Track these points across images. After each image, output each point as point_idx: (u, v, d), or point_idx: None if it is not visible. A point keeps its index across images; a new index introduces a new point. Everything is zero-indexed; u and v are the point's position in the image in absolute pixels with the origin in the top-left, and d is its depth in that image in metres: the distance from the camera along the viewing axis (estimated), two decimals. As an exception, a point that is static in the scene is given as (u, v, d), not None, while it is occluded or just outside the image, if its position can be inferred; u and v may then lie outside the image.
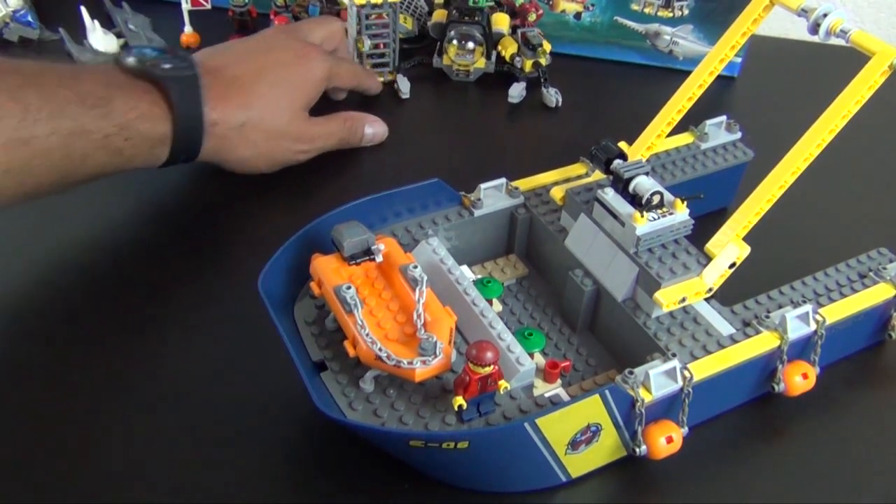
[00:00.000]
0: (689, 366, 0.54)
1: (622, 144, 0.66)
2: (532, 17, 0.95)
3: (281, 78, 0.74)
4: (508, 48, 0.93)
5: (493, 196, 0.67)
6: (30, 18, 0.96)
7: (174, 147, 0.68)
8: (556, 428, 0.51)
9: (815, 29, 0.58)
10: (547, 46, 0.93)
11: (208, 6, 0.95)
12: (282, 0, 0.97)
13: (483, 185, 0.66)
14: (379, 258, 0.56)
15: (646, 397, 0.52)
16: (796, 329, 0.57)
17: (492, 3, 0.96)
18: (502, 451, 0.52)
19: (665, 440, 0.54)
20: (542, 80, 0.92)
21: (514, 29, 0.96)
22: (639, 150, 0.67)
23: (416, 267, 0.54)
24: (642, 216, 0.57)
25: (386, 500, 0.54)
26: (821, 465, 0.58)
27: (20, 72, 0.61)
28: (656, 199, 0.58)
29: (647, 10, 0.95)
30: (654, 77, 0.97)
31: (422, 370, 0.50)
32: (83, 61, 0.89)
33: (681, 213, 0.58)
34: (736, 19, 0.64)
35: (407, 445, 0.50)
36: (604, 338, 0.62)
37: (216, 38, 0.98)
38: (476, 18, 0.93)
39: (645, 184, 0.58)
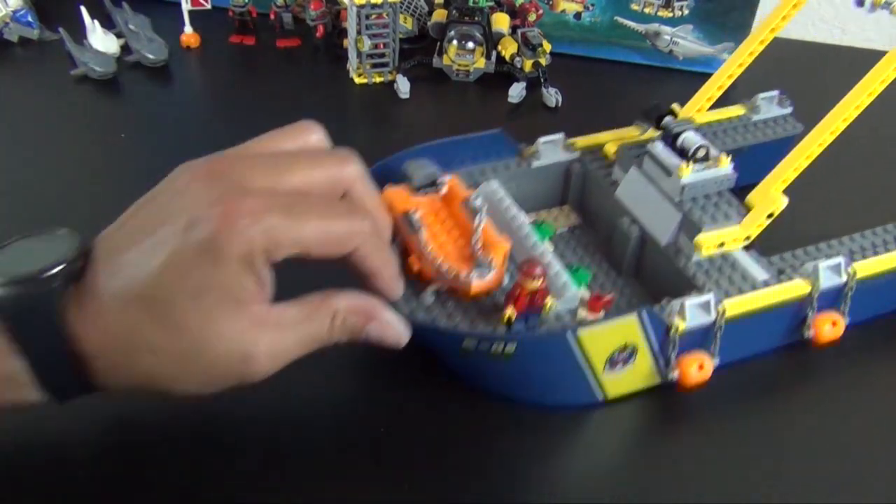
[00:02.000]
0: (722, 302, 0.58)
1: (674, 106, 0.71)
2: (532, 17, 0.96)
3: (181, 274, 0.44)
4: (508, 48, 0.94)
5: (550, 150, 0.71)
6: (30, 18, 0.95)
7: (50, 384, 0.46)
8: (596, 343, 0.55)
9: (860, 1, 0.62)
10: (547, 46, 0.93)
11: (208, 6, 0.95)
12: (282, 0, 0.97)
13: (541, 139, 0.70)
14: (444, 190, 0.61)
15: (680, 325, 0.57)
16: (828, 279, 0.60)
17: (492, 3, 0.96)
18: (545, 360, 0.56)
19: (696, 368, 0.59)
20: (542, 80, 0.93)
21: (514, 29, 0.96)
22: (689, 113, 0.70)
23: (477, 197, 0.58)
24: (688, 167, 0.61)
25: (386, 500, 0.54)
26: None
27: None
28: (702, 152, 0.62)
29: (647, 10, 0.95)
30: (654, 77, 0.97)
31: (477, 283, 0.54)
32: (83, 61, 0.89)
33: (724, 167, 0.62)
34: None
35: (459, 348, 0.55)
36: (647, 283, 0.65)
37: (216, 37, 0.98)
38: (476, 18, 0.93)
39: (692, 138, 0.63)
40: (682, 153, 0.63)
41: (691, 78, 0.80)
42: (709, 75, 0.71)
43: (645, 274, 0.65)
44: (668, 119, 0.66)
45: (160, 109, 0.88)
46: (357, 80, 0.93)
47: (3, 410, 0.47)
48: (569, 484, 0.55)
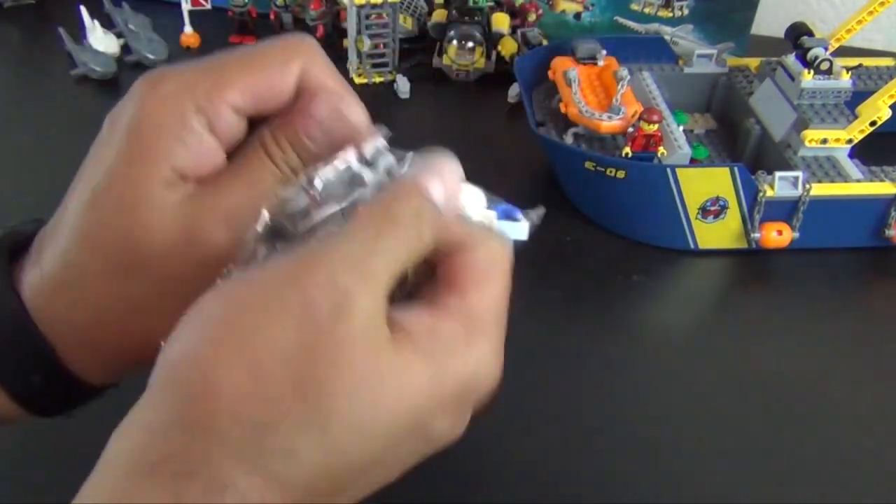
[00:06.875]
0: (810, 181, 0.67)
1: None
2: (532, 17, 0.95)
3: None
4: (508, 48, 0.93)
5: (703, 62, 0.82)
6: None
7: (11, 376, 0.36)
8: (692, 185, 0.66)
9: None
10: (547, 46, 0.93)
11: (208, 6, 0.95)
12: (282, 0, 0.97)
13: (698, 51, 0.81)
14: (601, 63, 0.76)
15: (768, 191, 0.66)
16: None
17: (492, 3, 0.96)
18: (648, 191, 0.68)
19: (776, 233, 0.68)
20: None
21: (514, 29, 0.96)
22: (832, 37, 0.77)
23: (625, 70, 0.71)
24: (809, 74, 0.71)
25: (385, 500, 0.54)
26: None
27: None
28: (825, 65, 0.71)
29: (647, 10, 0.95)
30: (654, 77, 0.97)
31: (607, 123, 0.70)
32: (83, 61, 0.89)
33: (844, 80, 0.71)
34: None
35: (582, 166, 0.69)
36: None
37: (216, 37, 0.98)
38: (476, 18, 0.93)
39: (820, 53, 0.71)
40: (809, 65, 0.72)
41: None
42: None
43: (760, 168, 0.72)
44: (804, 37, 0.74)
45: (160, 110, 0.88)
46: (357, 80, 0.93)
47: None
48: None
